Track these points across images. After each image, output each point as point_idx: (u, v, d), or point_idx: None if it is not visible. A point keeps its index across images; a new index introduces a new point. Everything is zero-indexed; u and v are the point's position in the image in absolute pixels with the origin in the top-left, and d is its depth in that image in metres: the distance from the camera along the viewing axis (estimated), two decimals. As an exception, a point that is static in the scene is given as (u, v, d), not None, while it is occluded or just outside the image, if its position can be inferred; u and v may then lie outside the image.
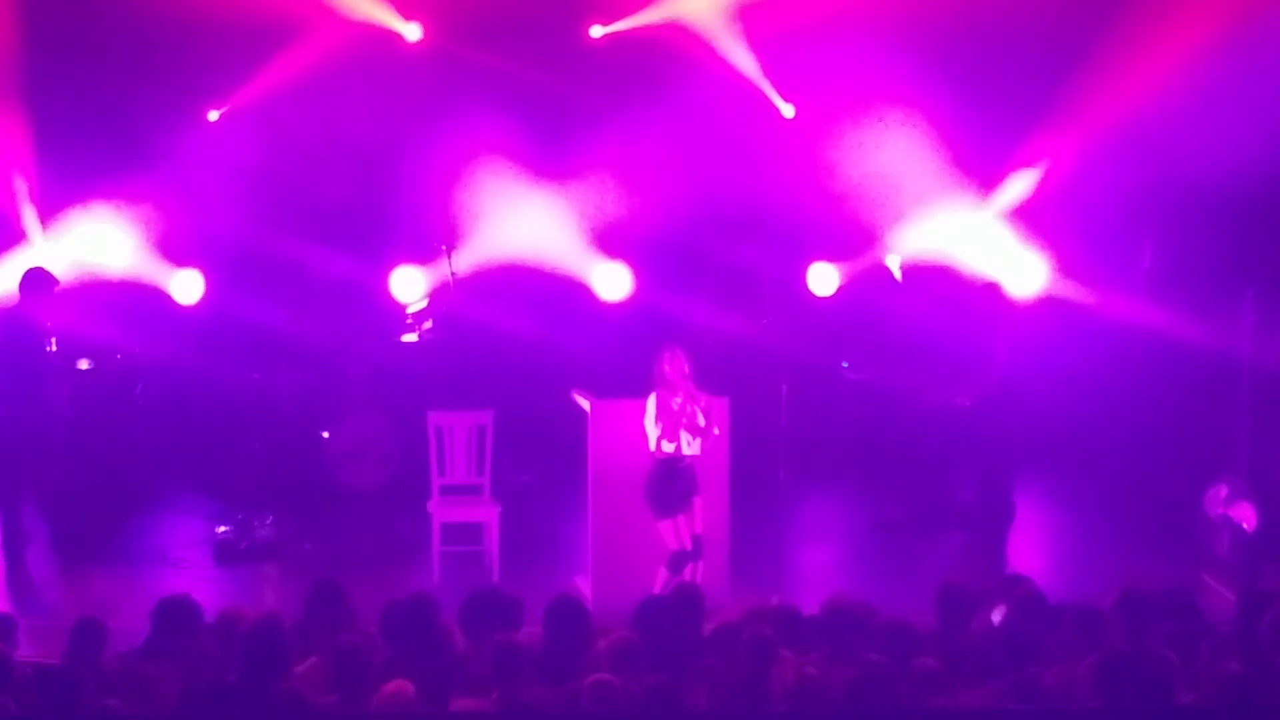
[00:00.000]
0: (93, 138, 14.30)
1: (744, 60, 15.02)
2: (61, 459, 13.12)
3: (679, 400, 10.89)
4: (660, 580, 10.92)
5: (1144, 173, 13.99)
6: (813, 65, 14.76)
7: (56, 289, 12.95)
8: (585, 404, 11.47)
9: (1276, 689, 7.85)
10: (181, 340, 14.37)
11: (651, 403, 10.94)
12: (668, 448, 10.91)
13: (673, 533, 10.95)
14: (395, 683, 7.54)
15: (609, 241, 15.10)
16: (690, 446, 10.93)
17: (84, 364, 13.59)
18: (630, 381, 11.18)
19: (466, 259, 14.56)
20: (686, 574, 10.85)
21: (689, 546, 10.95)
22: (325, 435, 14.05)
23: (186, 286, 14.61)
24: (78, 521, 13.00)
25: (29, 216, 14.22)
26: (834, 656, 8.17)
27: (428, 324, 14.71)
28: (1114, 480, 14.34)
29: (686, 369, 10.92)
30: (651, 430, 10.93)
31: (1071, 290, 14.51)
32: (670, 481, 10.92)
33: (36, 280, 12.85)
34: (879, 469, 14.29)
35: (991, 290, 13.65)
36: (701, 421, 10.93)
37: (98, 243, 14.36)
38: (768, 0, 14.70)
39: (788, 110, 15.27)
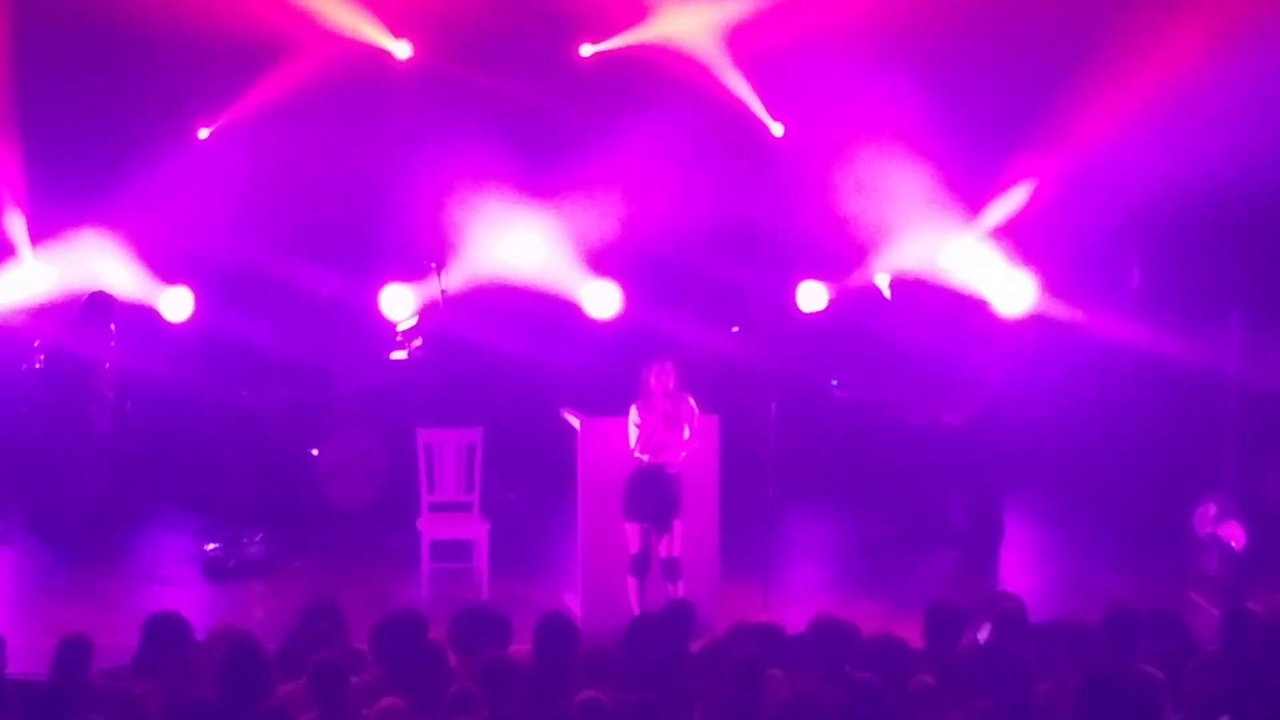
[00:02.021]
0: (82, 155, 14.30)
1: (733, 79, 15.05)
2: (101, 480, 13.18)
3: (661, 413, 10.93)
4: (631, 588, 11.01)
5: (1132, 191, 14.01)
6: (802, 84, 14.79)
7: (118, 314, 13.12)
8: (575, 421, 11.49)
9: (1263, 708, 7.86)
10: (171, 357, 14.36)
11: (633, 413, 11.00)
12: (647, 458, 10.97)
13: (636, 536, 11.03)
14: (386, 700, 7.53)
15: (598, 259, 15.11)
16: (670, 456, 10.97)
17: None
18: (619, 399, 11.18)
19: (456, 276, 14.55)
20: (671, 589, 10.90)
21: (646, 550, 10.99)
22: (314, 453, 14.06)
23: (176, 304, 14.60)
24: (67, 537, 13.02)
25: (19, 234, 14.22)
26: (824, 675, 8.17)
27: (417, 341, 14.73)
28: (1102, 498, 14.35)
29: (671, 385, 10.96)
30: (632, 440, 10.99)
31: (1060, 309, 14.52)
32: (643, 491, 10.97)
33: (99, 305, 12.94)
34: (868, 486, 14.31)
35: (980, 308, 13.65)
36: (686, 434, 10.97)
37: (87, 260, 14.34)
38: (757, 20, 14.73)
39: (777, 129, 15.30)
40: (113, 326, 13.16)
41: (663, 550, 11.01)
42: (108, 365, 13.09)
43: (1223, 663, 8.31)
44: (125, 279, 14.30)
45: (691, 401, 11.06)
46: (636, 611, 10.78)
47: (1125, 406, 14.59)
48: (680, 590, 10.85)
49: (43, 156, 14.27)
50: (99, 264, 14.35)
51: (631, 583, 11.04)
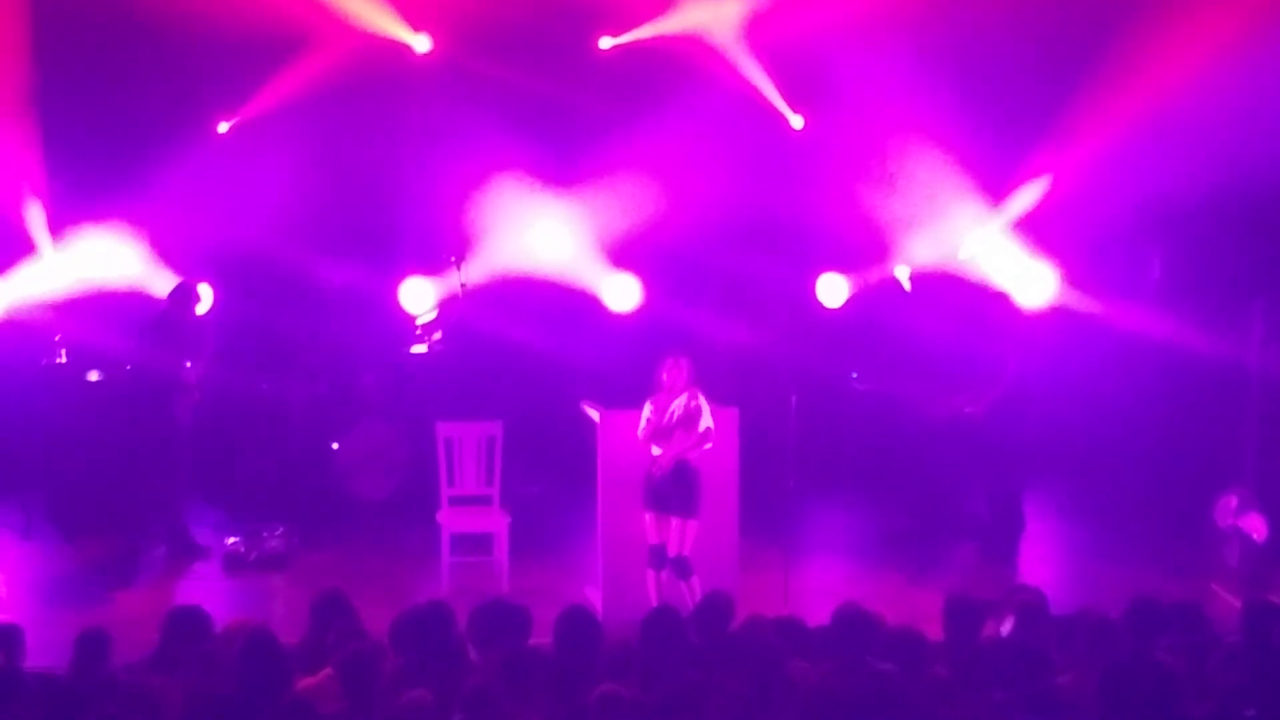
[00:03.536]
0: (102, 149, 14.33)
1: (753, 71, 15.04)
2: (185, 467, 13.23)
3: (673, 409, 10.93)
4: (650, 581, 11.02)
5: (1153, 183, 13.97)
6: (822, 76, 14.78)
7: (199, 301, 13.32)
8: (595, 414, 11.49)
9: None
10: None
11: (646, 408, 11.01)
12: (657, 453, 10.98)
13: (652, 526, 11.03)
14: (413, 692, 7.53)
15: (618, 252, 15.11)
16: (671, 450, 10.95)
17: (94, 375, 13.64)
18: (639, 392, 11.18)
19: (476, 270, 14.56)
20: (684, 587, 10.91)
21: (663, 541, 10.99)
22: (335, 446, 14.07)
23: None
24: (88, 530, 13.07)
25: (39, 228, 14.24)
26: (845, 666, 8.16)
27: (437, 335, 14.74)
28: (1123, 490, 14.34)
29: (684, 380, 10.94)
30: (640, 431, 11.01)
31: (1080, 300, 14.50)
32: (651, 480, 10.99)
33: (185, 294, 13.01)
34: (888, 479, 14.30)
35: (1001, 301, 13.63)
36: (700, 426, 10.94)
37: (107, 255, 14.37)
38: (777, 12, 14.72)
39: (797, 121, 15.29)
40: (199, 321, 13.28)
41: (672, 548, 10.99)
42: (197, 359, 13.12)
43: (1245, 654, 8.29)
44: (145, 273, 14.32)
45: (701, 399, 10.99)
46: (655, 604, 10.78)
47: (1146, 398, 14.58)
48: (696, 586, 10.84)
49: (63, 151, 14.31)
50: (119, 258, 14.38)
51: (650, 575, 11.04)
